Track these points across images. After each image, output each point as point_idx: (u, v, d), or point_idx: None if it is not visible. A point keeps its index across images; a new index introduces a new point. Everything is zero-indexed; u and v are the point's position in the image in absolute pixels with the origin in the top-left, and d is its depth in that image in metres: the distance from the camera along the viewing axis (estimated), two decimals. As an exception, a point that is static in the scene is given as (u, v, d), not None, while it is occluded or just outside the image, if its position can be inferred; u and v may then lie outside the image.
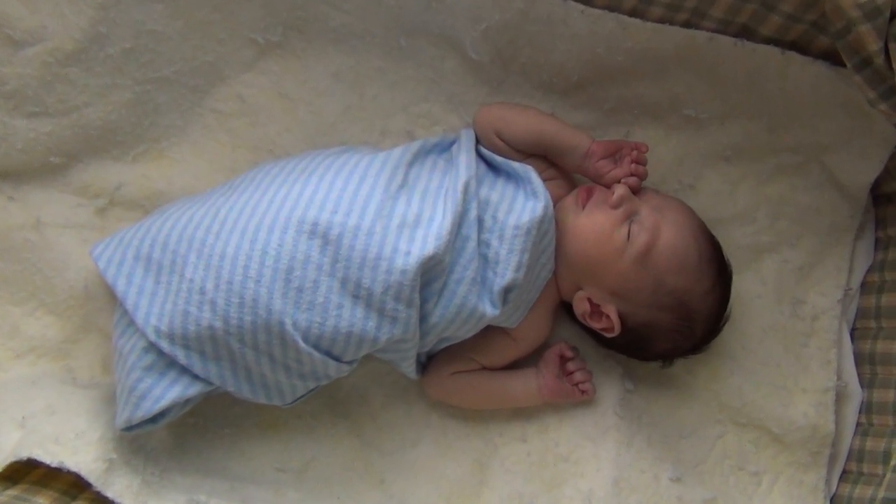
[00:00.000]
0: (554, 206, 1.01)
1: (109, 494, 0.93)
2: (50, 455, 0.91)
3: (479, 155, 1.05)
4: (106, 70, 1.05)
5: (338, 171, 0.98)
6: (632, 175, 1.04)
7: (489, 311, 0.98)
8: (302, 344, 0.93)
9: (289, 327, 0.92)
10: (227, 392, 0.98)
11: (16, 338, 1.06)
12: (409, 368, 1.04)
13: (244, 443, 1.08)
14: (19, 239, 1.06)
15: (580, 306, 1.04)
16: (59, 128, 1.06)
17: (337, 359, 0.96)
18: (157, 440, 1.04)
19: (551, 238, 1.02)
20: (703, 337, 1.05)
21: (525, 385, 1.09)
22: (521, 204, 0.99)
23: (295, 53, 1.11)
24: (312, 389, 1.02)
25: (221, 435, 1.08)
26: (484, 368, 1.09)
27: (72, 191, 1.09)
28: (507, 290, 0.98)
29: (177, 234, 0.95)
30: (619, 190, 1.01)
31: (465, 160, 1.01)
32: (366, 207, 0.94)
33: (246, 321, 0.92)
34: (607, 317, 1.02)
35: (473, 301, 0.97)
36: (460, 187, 0.97)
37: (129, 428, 0.96)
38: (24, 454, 0.90)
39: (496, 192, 1.01)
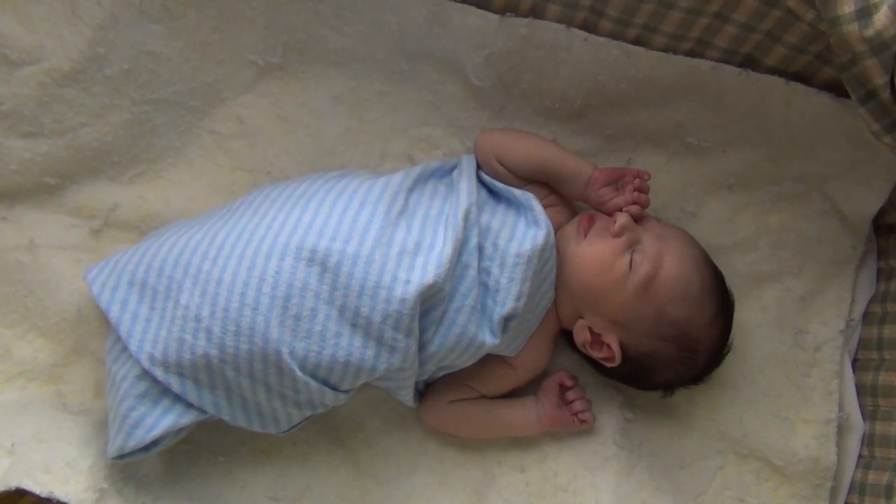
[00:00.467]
0: (554, 233, 1.00)
1: (100, 525, 0.91)
2: (39, 485, 0.89)
3: (480, 181, 1.04)
4: (104, 91, 1.04)
5: (337, 196, 0.96)
6: (634, 203, 1.03)
7: (489, 339, 0.97)
8: (299, 373, 0.91)
9: (286, 356, 0.90)
10: (220, 419, 0.97)
11: (6, 361, 1.04)
12: (407, 397, 1.02)
13: (238, 471, 1.06)
14: (12, 260, 1.05)
15: (581, 335, 1.03)
16: (55, 148, 1.04)
17: (334, 388, 0.95)
18: (148, 468, 1.02)
19: (552, 266, 1.01)
20: (705, 367, 1.04)
21: (524, 414, 1.07)
22: (523, 231, 0.98)
23: (295, 76, 1.10)
24: (308, 417, 1.01)
25: (215, 462, 1.06)
26: (482, 397, 1.08)
27: (66, 211, 1.07)
28: (507, 319, 0.97)
29: (172, 260, 0.94)
30: (621, 219, 1.00)
31: (465, 186, 1.00)
32: (365, 234, 0.93)
33: (242, 349, 0.90)
34: (608, 346, 1.01)
35: (473, 330, 0.95)
36: (461, 214, 0.96)
37: (120, 456, 0.95)
38: (14, 483, 0.89)
39: (497, 219, 1.00)
